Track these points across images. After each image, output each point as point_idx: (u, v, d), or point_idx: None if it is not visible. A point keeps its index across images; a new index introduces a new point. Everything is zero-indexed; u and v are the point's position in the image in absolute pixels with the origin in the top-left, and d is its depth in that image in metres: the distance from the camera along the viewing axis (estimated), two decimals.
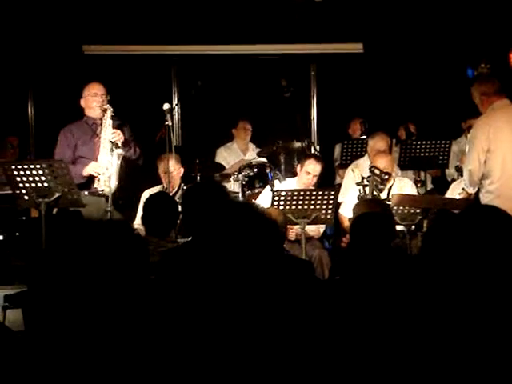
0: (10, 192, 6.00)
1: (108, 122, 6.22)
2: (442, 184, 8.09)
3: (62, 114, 6.57)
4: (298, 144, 8.19)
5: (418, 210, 6.23)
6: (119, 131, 6.22)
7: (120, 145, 6.14)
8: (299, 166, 7.17)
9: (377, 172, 6.55)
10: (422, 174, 7.70)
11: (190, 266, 3.03)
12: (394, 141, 8.34)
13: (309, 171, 7.02)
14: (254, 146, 8.91)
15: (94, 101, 6.35)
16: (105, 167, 6.11)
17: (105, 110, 6.24)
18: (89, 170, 6.18)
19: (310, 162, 7.07)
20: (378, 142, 7.43)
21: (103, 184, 6.11)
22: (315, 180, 7.11)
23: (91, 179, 6.20)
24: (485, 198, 5.56)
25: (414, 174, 7.75)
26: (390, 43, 9.59)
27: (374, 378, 2.36)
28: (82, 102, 6.46)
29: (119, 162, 6.14)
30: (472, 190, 5.79)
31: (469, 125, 7.86)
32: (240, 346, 2.23)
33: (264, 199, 6.91)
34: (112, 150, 6.08)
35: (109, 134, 6.18)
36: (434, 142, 7.68)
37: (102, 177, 6.12)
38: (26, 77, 9.31)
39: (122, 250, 2.22)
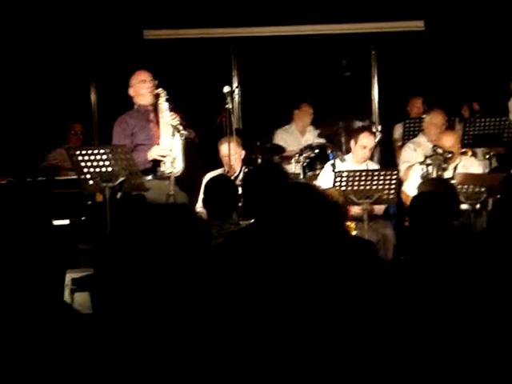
0: (75, 177, 6.11)
1: (164, 105, 6.24)
2: (508, 161, 7.95)
3: (125, 99, 6.63)
4: (359, 124, 8.17)
5: (482, 189, 6.16)
6: (175, 113, 6.24)
7: (180, 127, 6.16)
8: (353, 141, 7.18)
9: (439, 151, 6.50)
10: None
11: (254, 247, 3.05)
12: (458, 119, 8.25)
13: (364, 145, 7.06)
14: (313, 128, 8.88)
15: (144, 87, 6.35)
16: (168, 149, 6.15)
17: (158, 95, 6.27)
18: (153, 154, 6.21)
19: (363, 136, 7.11)
20: (434, 117, 7.50)
21: (169, 166, 6.14)
22: (370, 153, 7.14)
23: (156, 163, 6.24)
24: None
25: (483, 152, 7.69)
26: (452, 19, 9.41)
27: (442, 355, 2.35)
28: (131, 91, 6.44)
29: (183, 143, 6.17)
30: None
31: None
32: (303, 326, 2.24)
33: (324, 179, 6.92)
34: (174, 134, 6.12)
35: (167, 117, 6.20)
36: (497, 119, 7.58)
37: (168, 159, 6.15)
38: (88, 63, 9.42)
39: (184, 232, 2.25)
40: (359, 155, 7.07)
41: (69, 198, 6.66)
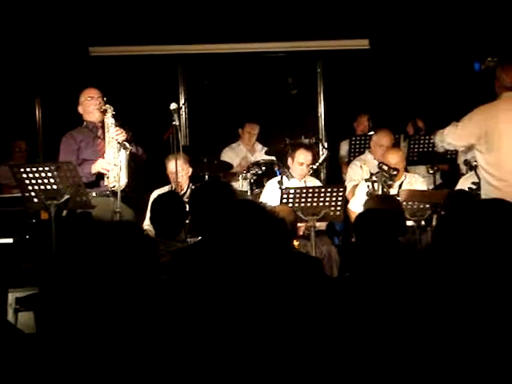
0: (19, 195, 6.02)
1: (110, 120, 6.23)
2: (452, 178, 8.07)
3: (70, 116, 6.58)
4: (305, 141, 8.21)
5: (427, 205, 6.23)
6: (122, 129, 6.24)
7: (125, 142, 6.14)
8: (289, 158, 7.24)
9: (385, 168, 6.55)
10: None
11: (200, 265, 3.03)
12: (402, 136, 8.34)
13: (301, 161, 7.12)
14: (261, 146, 8.91)
15: (91, 104, 6.37)
16: (112, 163, 6.13)
17: (105, 111, 6.26)
18: (97, 167, 6.19)
19: (300, 153, 7.18)
20: (382, 138, 7.56)
21: (113, 180, 6.12)
22: (308, 169, 7.19)
23: (100, 177, 6.22)
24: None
25: (427, 168, 7.79)
26: (396, 38, 9.56)
27: (382, 376, 2.36)
28: (80, 109, 6.47)
29: (127, 158, 6.15)
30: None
31: None
32: (249, 344, 2.23)
33: (268, 196, 6.94)
34: (119, 150, 6.09)
35: (113, 132, 6.19)
36: None
37: (111, 173, 6.14)
38: (33, 80, 9.32)
39: (131, 250, 2.23)
40: (297, 172, 7.15)
41: (12, 216, 6.57)
